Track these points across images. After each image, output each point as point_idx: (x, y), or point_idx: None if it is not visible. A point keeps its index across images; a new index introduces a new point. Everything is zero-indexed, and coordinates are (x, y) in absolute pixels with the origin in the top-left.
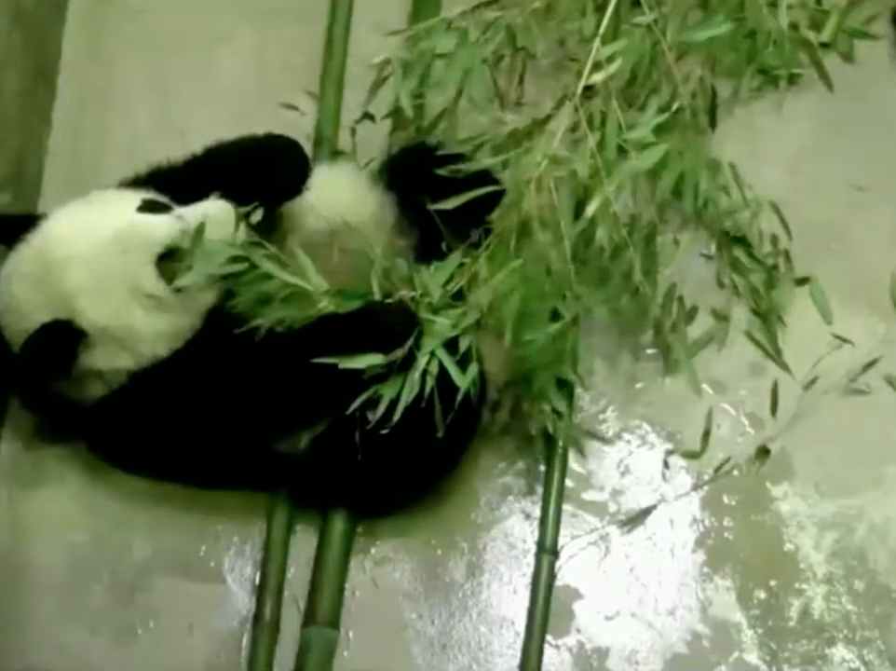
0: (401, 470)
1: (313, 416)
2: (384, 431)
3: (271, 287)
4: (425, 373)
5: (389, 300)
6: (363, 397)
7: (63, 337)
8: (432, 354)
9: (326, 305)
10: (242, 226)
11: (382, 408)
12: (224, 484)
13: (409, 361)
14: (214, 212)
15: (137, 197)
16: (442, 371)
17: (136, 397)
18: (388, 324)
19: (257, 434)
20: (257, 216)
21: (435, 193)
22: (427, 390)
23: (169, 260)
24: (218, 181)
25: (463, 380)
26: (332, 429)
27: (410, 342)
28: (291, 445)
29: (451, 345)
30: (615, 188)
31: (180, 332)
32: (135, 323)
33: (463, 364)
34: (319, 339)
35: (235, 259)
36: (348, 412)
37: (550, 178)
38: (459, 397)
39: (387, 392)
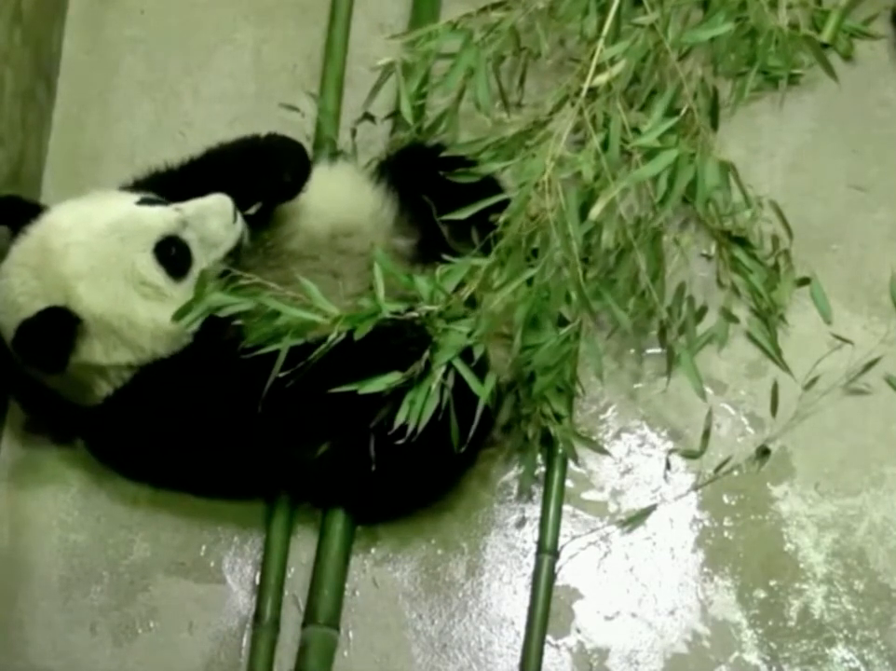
0: (414, 478)
1: (330, 430)
2: (400, 442)
3: (281, 322)
4: (443, 385)
5: (399, 316)
6: (383, 413)
7: (59, 323)
8: (449, 365)
9: (335, 335)
10: (240, 219)
11: (402, 420)
12: (228, 494)
13: (425, 374)
14: (212, 204)
15: (136, 196)
16: (457, 382)
17: (143, 396)
18: (402, 344)
19: (269, 444)
20: (256, 208)
21: (435, 194)
22: (445, 401)
23: (166, 249)
24: (218, 180)
25: (482, 390)
26: (344, 440)
27: (426, 356)
28: (306, 454)
29: (464, 353)
30: (620, 191)
31: (179, 329)
32: (133, 313)
33: (479, 373)
34: (337, 365)
35: (240, 303)
36: (369, 427)
37: (558, 181)
38: (480, 406)
39: (408, 405)
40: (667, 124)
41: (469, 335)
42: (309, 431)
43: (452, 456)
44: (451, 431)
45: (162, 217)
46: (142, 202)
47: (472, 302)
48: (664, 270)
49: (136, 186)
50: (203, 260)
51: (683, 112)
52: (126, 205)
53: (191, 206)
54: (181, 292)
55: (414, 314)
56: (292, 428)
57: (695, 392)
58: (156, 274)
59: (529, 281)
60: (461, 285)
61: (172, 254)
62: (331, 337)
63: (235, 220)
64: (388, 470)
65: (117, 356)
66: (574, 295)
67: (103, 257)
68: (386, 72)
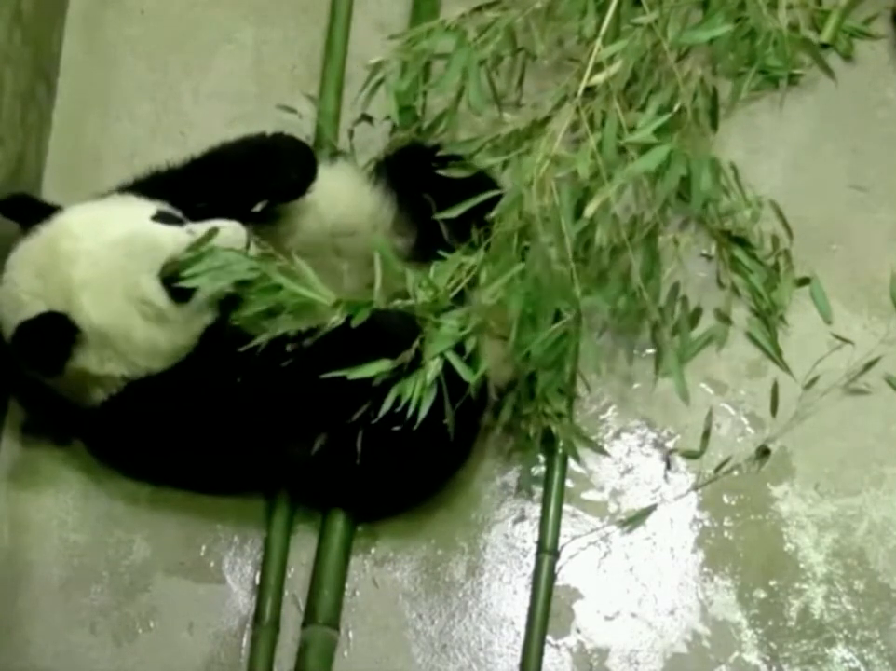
0: (406, 473)
1: (321, 423)
2: (394, 429)
3: (280, 298)
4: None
5: (392, 306)
6: (368, 404)
7: (57, 329)
8: (441, 356)
9: (336, 318)
10: (253, 245)
11: (387, 408)
12: (226, 490)
13: (414, 365)
14: (225, 230)
15: (153, 206)
16: (447, 374)
17: (138, 403)
18: (393, 332)
19: (265, 442)
20: (261, 206)
21: (433, 193)
22: (438, 392)
23: (172, 270)
24: (224, 178)
25: (471, 376)
26: (336, 434)
27: (416, 345)
28: (302, 450)
29: (457, 348)
30: (616, 189)
31: (175, 350)
32: (131, 330)
33: (471, 366)
34: (327, 352)
35: (247, 269)
36: (355, 417)
37: (552, 179)
38: (471, 392)
39: (398, 395)
40: (660, 120)
41: (461, 329)
42: (304, 423)
43: (445, 449)
44: (443, 423)
45: (174, 238)
46: (158, 217)
47: (461, 298)
48: (659, 270)
49: (141, 186)
50: (209, 286)
51: (676, 109)
52: (141, 219)
53: (204, 231)
54: (182, 316)
55: (405, 303)
56: (288, 421)
57: (694, 393)
58: (158, 296)
59: (521, 275)
60: (451, 281)
61: (178, 278)
62: (329, 322)
63: (248, 249)
64: (382, 463)
65: (111, 368)
66: (567, 293)
67: (108, 270)
68: (374, 71)
